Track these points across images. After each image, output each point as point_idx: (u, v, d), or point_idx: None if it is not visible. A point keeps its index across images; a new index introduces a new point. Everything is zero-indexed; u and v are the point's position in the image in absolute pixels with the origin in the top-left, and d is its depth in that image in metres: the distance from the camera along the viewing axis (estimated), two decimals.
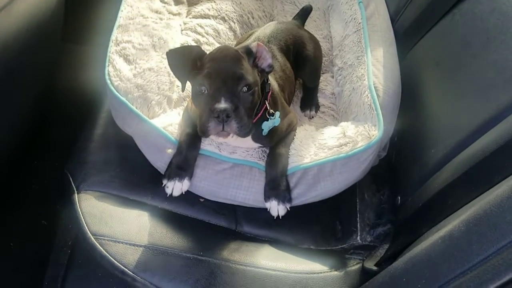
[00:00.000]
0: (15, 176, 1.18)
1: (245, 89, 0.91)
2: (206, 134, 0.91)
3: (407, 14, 1.31)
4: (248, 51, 0.95)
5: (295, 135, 1.11)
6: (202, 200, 1.07)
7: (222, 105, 0.87)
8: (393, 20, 1.35)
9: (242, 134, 0.92)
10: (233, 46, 1.01)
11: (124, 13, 1.23)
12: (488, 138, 0.83)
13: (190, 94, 0.97)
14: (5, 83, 1.03)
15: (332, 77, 1.35)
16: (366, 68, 1.18)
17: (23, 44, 1.06)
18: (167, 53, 0.96)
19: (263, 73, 0.98)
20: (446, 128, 0.98)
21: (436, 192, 0.88)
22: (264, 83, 1.01)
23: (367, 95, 1.12)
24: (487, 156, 0.79)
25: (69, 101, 1.31)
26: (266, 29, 1.22)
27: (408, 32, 1.28)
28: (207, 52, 0.96)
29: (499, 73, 0.87)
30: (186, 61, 0.94)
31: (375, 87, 1.13)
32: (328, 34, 1.46)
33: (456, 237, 0.62)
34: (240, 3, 1.41)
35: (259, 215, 1.06)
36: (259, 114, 1.01)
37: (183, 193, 1.01)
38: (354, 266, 1.01)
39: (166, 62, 1.16)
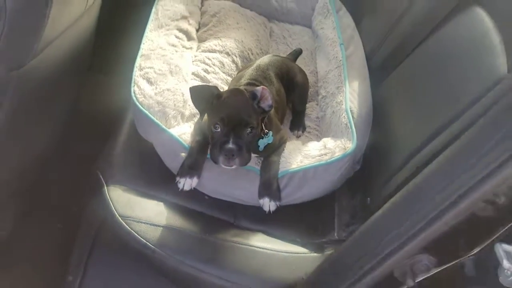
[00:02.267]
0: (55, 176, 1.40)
1: (248, 130, 1.17)
2: (216, 162, 1.17)
3: (380, 54, 1.60)
4: (254, 95, 1.20)
5: (285, 147, 1.35)
6: (207, 197, 1.30)
7: (230, 145, 1.13)
8: (369, 59, 1.63)
9: (242, 165, 1.18)
10: (241, 89, 1.27)
11: (146, 45, 1.50)
12: (433, 145, 1.08)
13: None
14: (46, 101, 1.27)
15: (317, 104, 1.61)
16: (344, 95, 1.44)
17: (61, 71, 1.30)
18: (190, 88, 1.22)
19: (264, 112, 1.23)
20: (405, 139, 1.23)
21: (395, 188, 1.13)
22: (264, 116, 1.26)
23: (344, 116, 1.38)
24: (430, 158, 1.04)
25: (96, 118, 1.54)
26: (265, 59, 1.49)
27: (381, 68, 1.56)
28: (222, 91, 1.22)
29: (441, 99, 1.14)
30: (204, 98, 1.19)
31: (351, 111, 1.39)
32: (315, 70, 1.74)
33: (391, 210, 0.86)
34: (242, 41, 1.69)
35: (254, 212, 1.28)
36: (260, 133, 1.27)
37: (192, 189, 1.24)
38: (330, 250, 1.23)
39: (180, 84, 1.42)
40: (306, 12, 1.95)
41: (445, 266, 0.79)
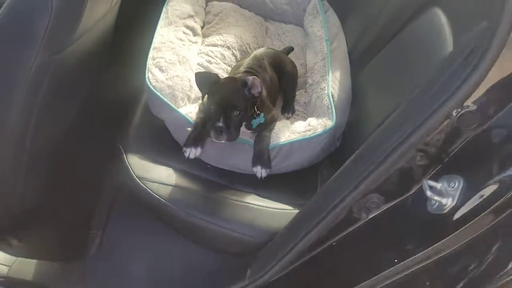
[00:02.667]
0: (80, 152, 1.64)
1: (237, 113, 1.41)
2: (209, 136, 1.43)
3: (360, 48, 1.84)
4: (245, 83, 1.45)
5: (275, 125, 1.60)
6: (209, 166, 1.54)
7: (220, 124, 1.38)
8: (350, 52, 1.87)
9: (230, 140, 1.43)
10: (235, 76, 1.52)
11: (157, 39, 1.74)
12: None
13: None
14: (74, 83, 1.51)
15: (305, 91, 1.86)
16: (327, 83, 1.69)
17: (88, 60, 1.54)
18: (195, 73, 1.46)
19: (254, 97, 1.48)
20: (375, 117, 1.47)
21: None
22: (256, 100, 1.50)
23: (326, 99, 1.62)
24: None
25: (116, 100, 1.79)
26: (260, 51, 1.74)
27: (360, 59, 1.80)
28: (220, 78, 1.46)
29: (404, 83, 1.39)
30: (205, 83, 1.44)
31: (332, 95, 1.63)
32: (304, 62, 1.98)
33: (351, 160, 1.10)
34: (241, 37, 1.94)
35: (248, 178, 1.52)
36: (251, 114, 1.51)
37: (196, 157, 1.48)
38: None
39: (187, 72, 1.67)
40: (298, 13, 2.20)
41: (391, 203, 1.03)
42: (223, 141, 1.42)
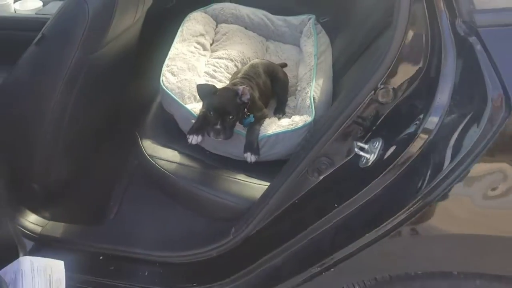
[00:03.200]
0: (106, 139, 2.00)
1: (230, 117, 1.75)
2: (209, 135, 1.75)
3: (340, 60, 2.18)
4: (236, 93, 1.78)
5: (264, 120, 1.92)
6: (208, 152, 1.87)
7: (218, 127, 1.72)
8: (334, 64, 2.21)
9: (226, 139, 1.74)
10: (231, 86, 1.88)
11: (172, 52, 2.12)
12: None
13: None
14: (103, 83, 1.88)
15: (295, 98, 2.19)
16: (311, 88, 2.01)
17: (114, 64, 1.92)
18: (196, 85, 1.82)
19: (244, 103, 1.81)
20: None
21: None
22: (246, 104, 1.84)
23: (308, 101, 1.94)
24: None
25: (135, 97, 2.16)
26: (256, 60, 2.10)
27: (342, 69, 2.13)
28: (218, 88, 1.81)
29: None
30: (205, 93, 1.78)
31: (314, 97, 1.95)
32: (296, 75, 2.32)
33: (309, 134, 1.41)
34: (243, 52, 2.30)
35: (240, 163, 1.84)
36: (242, 115, 1.85)
37: (198, 144, 1.81)
38: None
39: (195, 77, 2.02)
40: (295, 35, 2.55)
41: (337, 166, 1.33)
42: (219, 139, 1.75)
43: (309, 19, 2.52)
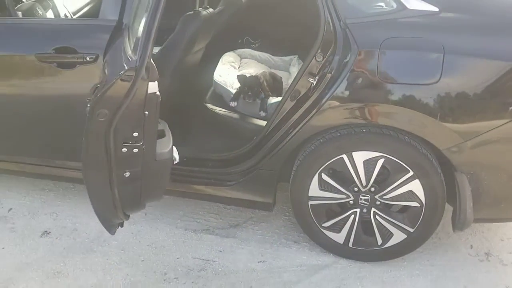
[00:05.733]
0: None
1: (255, 89, 3.52)
2: (244, 99, 3.50)
3: None
4: (257, 77, 3.55)
5: (269, 98, 3.64)
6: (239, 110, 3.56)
7: (249, 93, 3.52)
8: None
9: (252, 101, 3.52)
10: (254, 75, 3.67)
11: (218, 68, 3.90)
12: None
13: None
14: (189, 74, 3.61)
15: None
16: None
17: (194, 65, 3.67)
18: (237, 76, 3.59)
19: (260, 83, 3.57)
20: None
21: None
22: (261, 85, 3.59)
23: None
24: None
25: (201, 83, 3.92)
26: (266, 70, 3.87)
27: None
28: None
29: None
30: (242, 78, 3.56)
31: None
32: (286, 87, 4.07)
33: None
34: (255, 71, 4.08)
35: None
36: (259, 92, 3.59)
37: (234, 107, 3.52)
38: None
39: (230, 77, 3.78)
40: (287, 66, 4.35)
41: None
42: (250, 101, 3.46)
43: (294, 57, 4.34)
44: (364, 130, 2.48)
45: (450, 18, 2.36)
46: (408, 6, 2.34)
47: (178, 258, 2.79)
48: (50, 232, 2.97)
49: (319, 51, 2.47)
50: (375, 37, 2.35)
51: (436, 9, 2.33)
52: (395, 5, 2.37)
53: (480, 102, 2.30)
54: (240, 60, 4.33)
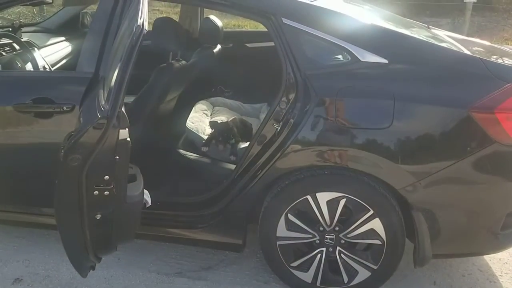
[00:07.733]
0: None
1: (225, 135, 3.69)
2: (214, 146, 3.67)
3: None
4: (227, 123, 3.73)
5: (239, 142, 3.80)
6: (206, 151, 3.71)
7: (220, 139, 3.67)
8: None
9: (222, 149, 3.67)
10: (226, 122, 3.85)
11: (191, 115, 4.07)
12: None
13: None
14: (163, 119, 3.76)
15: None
16: None
17: (167, 112, 3.83)
18: (209, 122, 3.76)
19: (230, 129, 3.76)
20: None
21: None
22: (231, 131, 3.77)
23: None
24: None
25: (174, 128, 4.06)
26: (236, 117, 4.06)
27: None
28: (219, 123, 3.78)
29: None
30: (214, 124, 3.75)
31: None
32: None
33: None
34: (227, 118, 4.26)
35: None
36: (229, 138, 3.76)
37: (206, 152, 3.67)
38: None
39: (202, 123, 3.95)
40: (256, 113, 4.55)
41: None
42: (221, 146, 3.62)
43: (264, 105, 4.56)
44: (325, 172, 2.65)
45: (399, 69, 2.59)
46: (361, 58, 2.57)
47: None
48: (22, 279, 2.98)
49: (283, 99, 2.65)
50: (332, 86, 2.57)
51: (385, 61, 2.56)
52: (349, 58, 2.59)
53: (429, 144, 2.51)
54: (213, 108, 4.52)
